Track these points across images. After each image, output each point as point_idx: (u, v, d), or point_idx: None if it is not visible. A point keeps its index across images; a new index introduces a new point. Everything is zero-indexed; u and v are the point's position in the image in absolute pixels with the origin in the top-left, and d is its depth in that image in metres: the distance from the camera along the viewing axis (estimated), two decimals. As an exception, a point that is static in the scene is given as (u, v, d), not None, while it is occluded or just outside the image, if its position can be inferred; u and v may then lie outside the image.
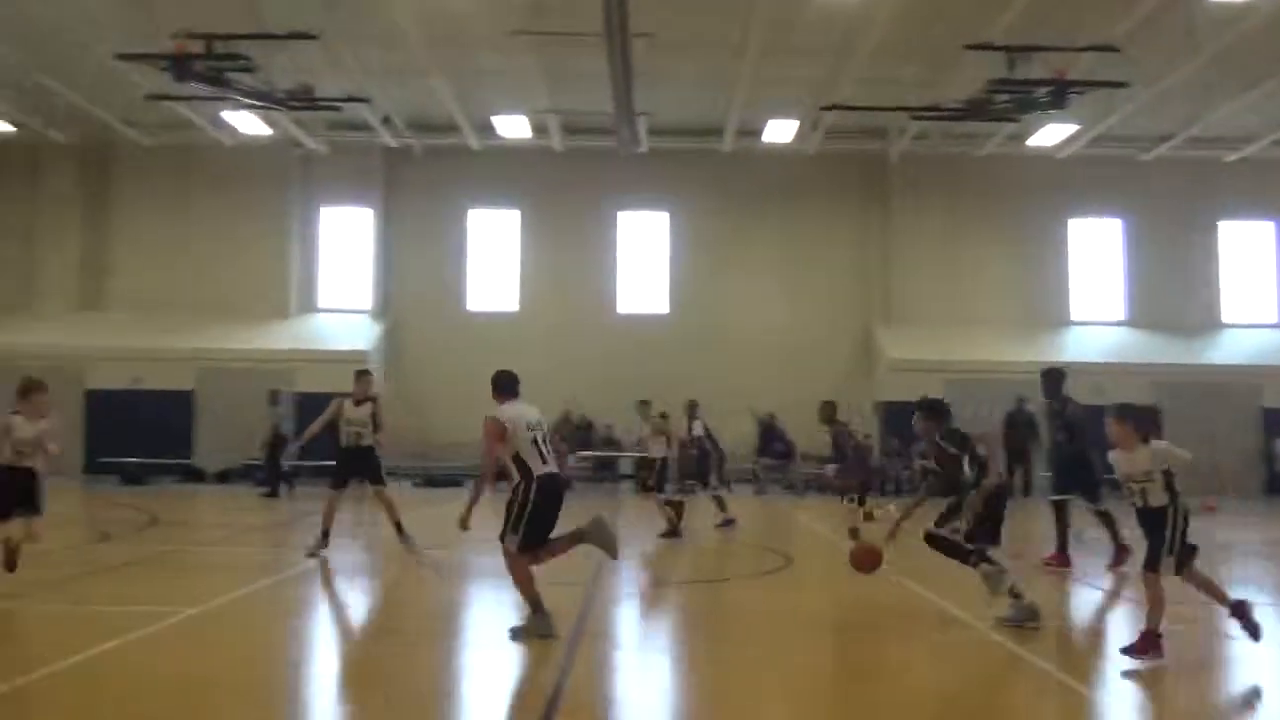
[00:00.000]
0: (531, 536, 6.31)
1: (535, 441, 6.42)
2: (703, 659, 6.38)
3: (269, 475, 18.02)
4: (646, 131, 22.05)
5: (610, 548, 6.62)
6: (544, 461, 6.40)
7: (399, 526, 10.02)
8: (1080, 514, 9.95)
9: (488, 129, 22.50)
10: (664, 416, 13.01)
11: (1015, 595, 6.68)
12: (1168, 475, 5.83)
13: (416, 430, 23.16)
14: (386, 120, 22.47)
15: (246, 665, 5.88)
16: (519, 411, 6.53)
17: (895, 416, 22.23)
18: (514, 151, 23.74)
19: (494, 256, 25.02)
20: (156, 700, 5.07)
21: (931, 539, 7.18)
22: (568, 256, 24.67)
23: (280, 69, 17.58)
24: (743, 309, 24.39)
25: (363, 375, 10.56)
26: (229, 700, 5.12)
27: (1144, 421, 6.05)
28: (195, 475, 21.53)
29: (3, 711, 4.78)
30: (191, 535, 12.84)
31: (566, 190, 24.56)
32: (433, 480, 20.56)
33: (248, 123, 21.33)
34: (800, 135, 22.52)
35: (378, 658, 6.39)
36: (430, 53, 18.26)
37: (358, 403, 10.20)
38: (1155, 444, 5.89)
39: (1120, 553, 9.29)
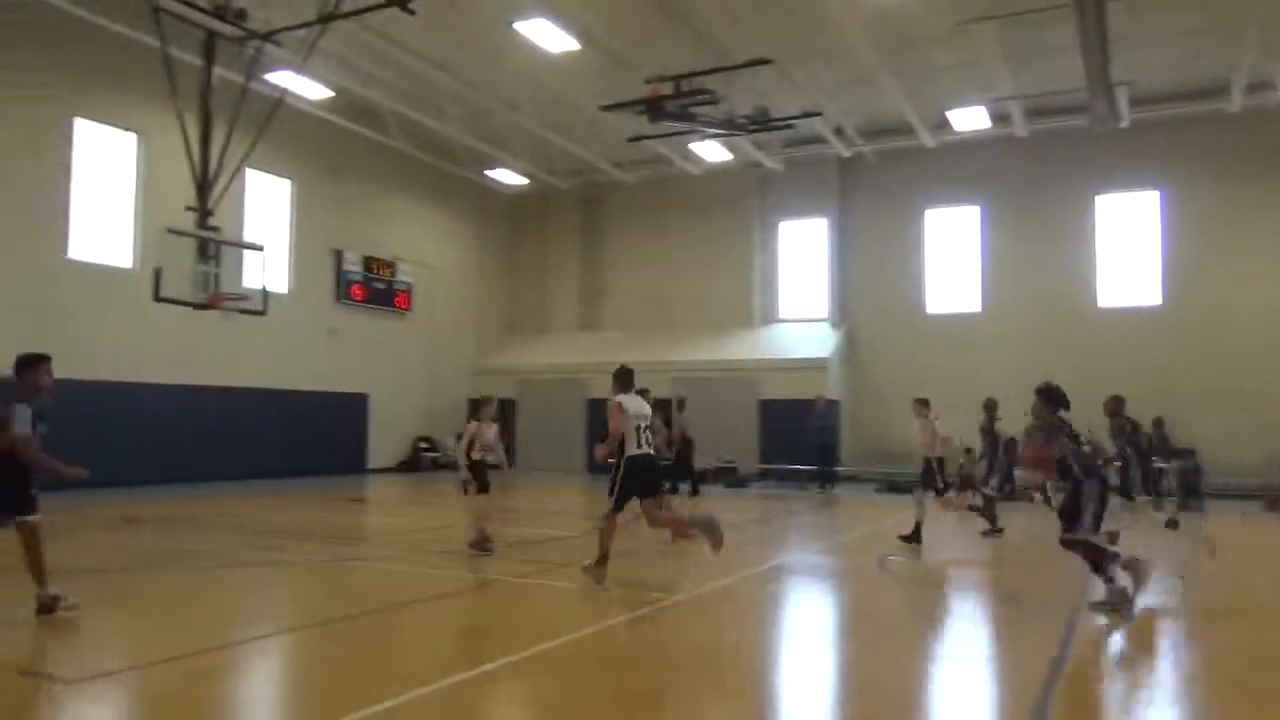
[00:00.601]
0: (620, 503, 8.02)
1: (638, 429, 8.13)
2: (1204, 705, 5.44)
3: (682, 475, 19.35)
4: (1127, 103, 19.59)
5: (715, 540, 8.05)
6: (638, 446, 8.10)
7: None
8: None
9: (943, 126, 21.71)
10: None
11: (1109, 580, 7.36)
12: None
13: (877, 436, 23.12)
14: (839, 131, 22.78)
15: (729, 648, 6.28)
16: (633, 402, 8.27)
17: None
18: (972, 145, 22.60)
19: (954, 256, 24.06)
20: (651, 670, 5.63)
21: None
22: (1037, 249, 22.80)
23: (739, 97, 18.69)
24: (1260, 296, 20.51)
25: (645, 393, 12.13)
26: (710, 677, 5.50)
27: None
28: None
29: (528, 670, 5.65)
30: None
31: (1033, 179, 22.78)
32: (895, 486, 20.22)
33: (712, 151, 23.06)
34: (1338, 79, 18.39)
35: (847, 657, 6.43)
36: (880, 59, 18.15)
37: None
38: None
39: None
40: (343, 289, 23.54)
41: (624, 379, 8.45)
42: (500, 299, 29.46)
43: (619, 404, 8.11)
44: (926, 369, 22.40)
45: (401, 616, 7.33)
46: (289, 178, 22.23)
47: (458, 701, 5.01)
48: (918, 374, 22.40)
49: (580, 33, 17.15)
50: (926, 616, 8.00)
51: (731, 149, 23.08)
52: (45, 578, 6.42)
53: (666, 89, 17.73)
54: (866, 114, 22.11)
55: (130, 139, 18.78)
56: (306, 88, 18.70)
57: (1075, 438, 7.84)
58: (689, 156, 24.11)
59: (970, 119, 20.82)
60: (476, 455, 10.09)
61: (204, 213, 14.67)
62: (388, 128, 22.69)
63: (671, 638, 6.64)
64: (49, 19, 16.23)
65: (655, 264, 27.20)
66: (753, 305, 25.88)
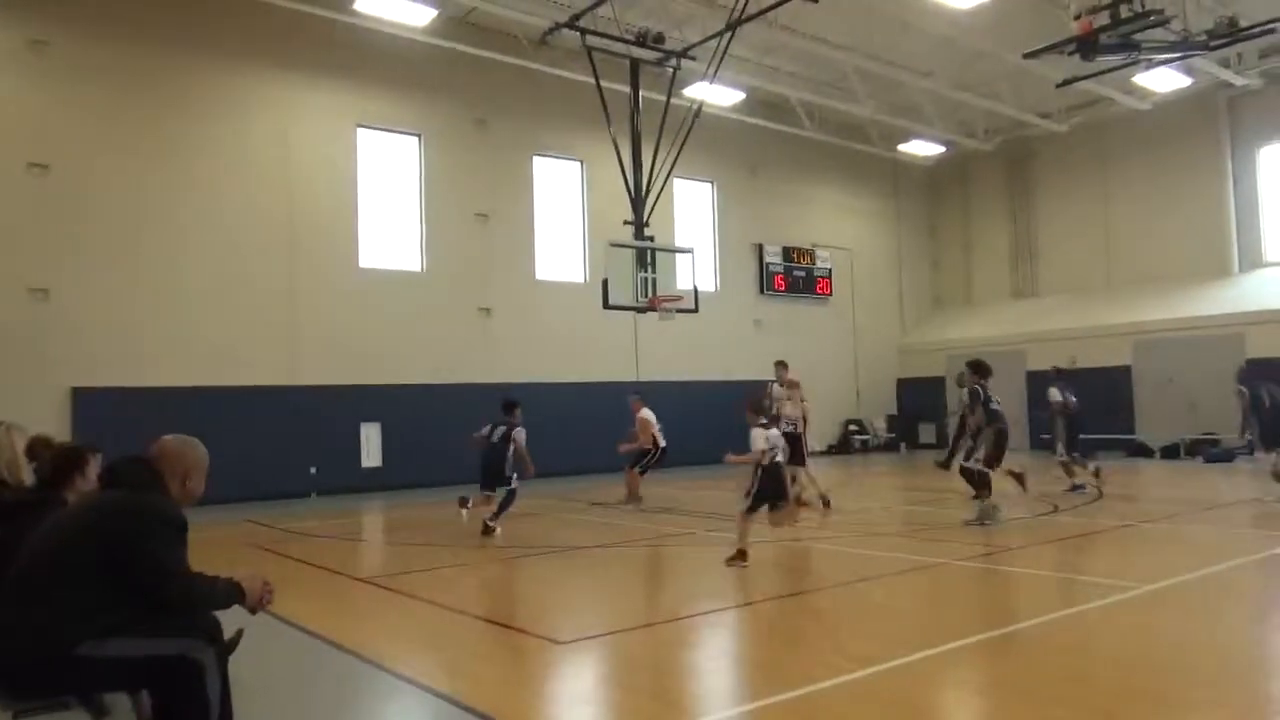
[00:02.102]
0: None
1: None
2: None
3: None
4: None
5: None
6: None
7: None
8: None
9: None
10: None
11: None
12: None
13: None
14: (1337, 26, 18.56)
15: (1202, 653, 5.44)
16: (765, 433, 10.00)
17: None
18: None
19: None
20: (1117, 669, 5.06)
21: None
22: None
23: (1194, 10, 16.11)
24: None
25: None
26: (1190, 681, 4.81)
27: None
28: (1142, 450, 21.09)
29: (977, 658, 5.38)
30: (1140, 510, 12.50)
31: None
32: None
33: (1163, 80, 20.06)
34: None
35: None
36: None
37: None
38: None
39: None
40: (765, 281, 24.41)
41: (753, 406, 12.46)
42: (922, 274, 28.55)
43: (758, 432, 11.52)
44: None
45: (845, 595, 7.40)
46: (709, 181, 23.60)
47: (906, 682, 4.93)
48: None
49: (992, -20, 15.96)
50: None
51: (1189, 72, 19.93)
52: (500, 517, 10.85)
53: (1100, 20, 15.78)
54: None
55: (575, 167, 21.29)
56: (720, 94, 19.65)
57: None
58: (1133, 91, 21.29)
59: None
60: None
61: (639, 224, 16.08)
62: (798, 118, 23.05)
63: (1142, 632, 5.91)
64: (516, 74, 18.96)
65: (1097, 217, 24.50)
66: (1229, 249, 22.22)
